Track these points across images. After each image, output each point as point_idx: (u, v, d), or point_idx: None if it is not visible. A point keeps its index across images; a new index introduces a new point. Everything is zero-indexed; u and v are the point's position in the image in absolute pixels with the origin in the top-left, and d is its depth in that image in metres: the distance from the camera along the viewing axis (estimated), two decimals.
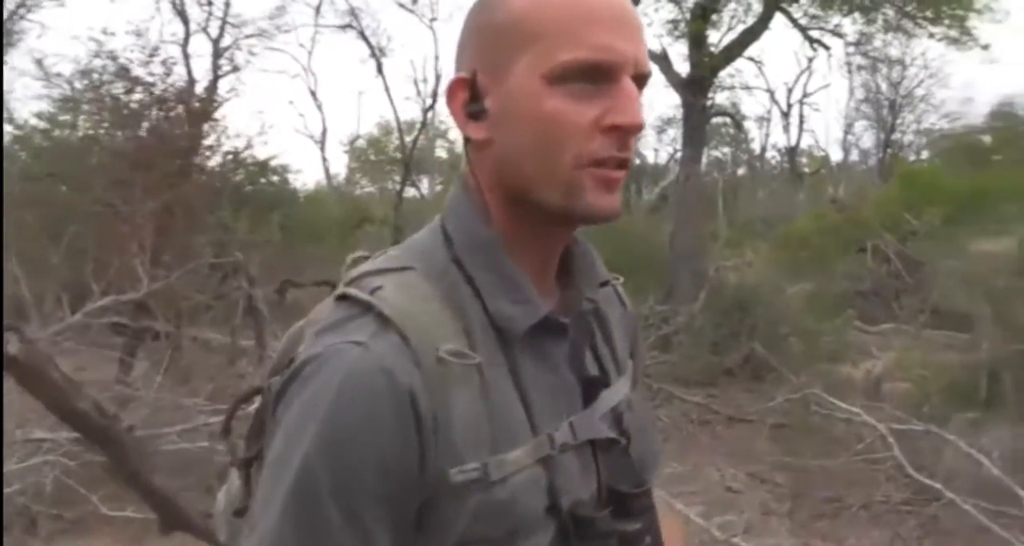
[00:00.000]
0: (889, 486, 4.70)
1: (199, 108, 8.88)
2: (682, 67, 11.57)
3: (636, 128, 0.75)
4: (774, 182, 29.86)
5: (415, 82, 18.88)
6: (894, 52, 16.11)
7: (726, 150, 28.21)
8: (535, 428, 0.77)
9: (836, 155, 33.55)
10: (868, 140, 30.35)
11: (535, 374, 0.79)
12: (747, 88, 22.05)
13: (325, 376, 0.71)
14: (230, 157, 9.94)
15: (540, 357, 0.80)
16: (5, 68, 12.02)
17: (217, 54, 14.17)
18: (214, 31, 14.65)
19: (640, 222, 17.00)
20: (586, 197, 0.76)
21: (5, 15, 12.68)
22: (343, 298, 0.78)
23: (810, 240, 12.92)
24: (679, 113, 13.50)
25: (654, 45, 11.93)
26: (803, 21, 11.95)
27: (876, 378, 7.01)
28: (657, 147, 26.16)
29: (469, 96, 0.79)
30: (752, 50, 12.27)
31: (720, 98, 15.67)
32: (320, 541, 0.69)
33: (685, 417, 8.21)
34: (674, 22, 12.23)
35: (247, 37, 15.13)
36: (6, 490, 3.97)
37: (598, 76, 0.74)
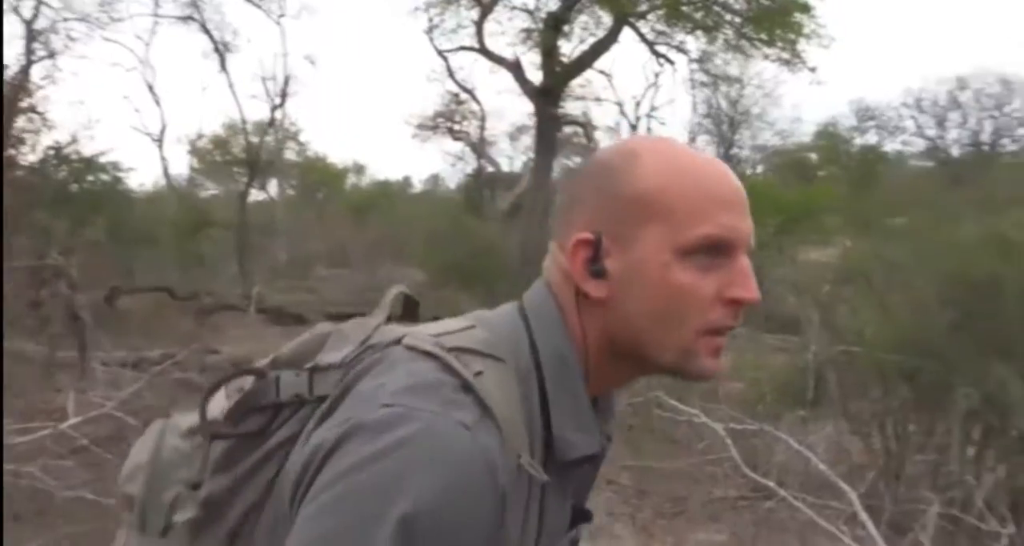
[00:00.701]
0: (727, 484, 4.88)
1: (10, 95, 8.10)
2: (535, 76, 11.74)
3: (754, 303, 0.81)
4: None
5: (263, 80, 18.02)
6: (733, 71, 17.04)
7: (577, 159, 28.93)
8: (540, 542, 0.81)
9: None
10: (709, 154, 31.84)
11: (553, 496, 0.82)
12: (597, 100, 22.73)
13: (432, 452, 0.69)
14: (52, 152, 9.16)
15: (564, 481, 0.83)
16: None
17: (31, 37, 12.84)
18: (27, 11, 13.25)
19: (492, 230, 17.10)
20: (700, 362, 0.81)
21: None
22: (431, 358, 0.77)
23: None
24: (532, 121, 13.71)
25: (506, 53, 12.04)
26: (650, 36, 12.43)
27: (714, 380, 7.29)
28: (512, 155, 26.46)
29: (592, 255, 0.82)
30: (603, 63, 12.61)
31: (572, 108, 16.03)
32: None
33: None
34: (527, 31, 12.40)
35: (66, 20, 13.82)
36: None
37: (720, 251, 0.80)
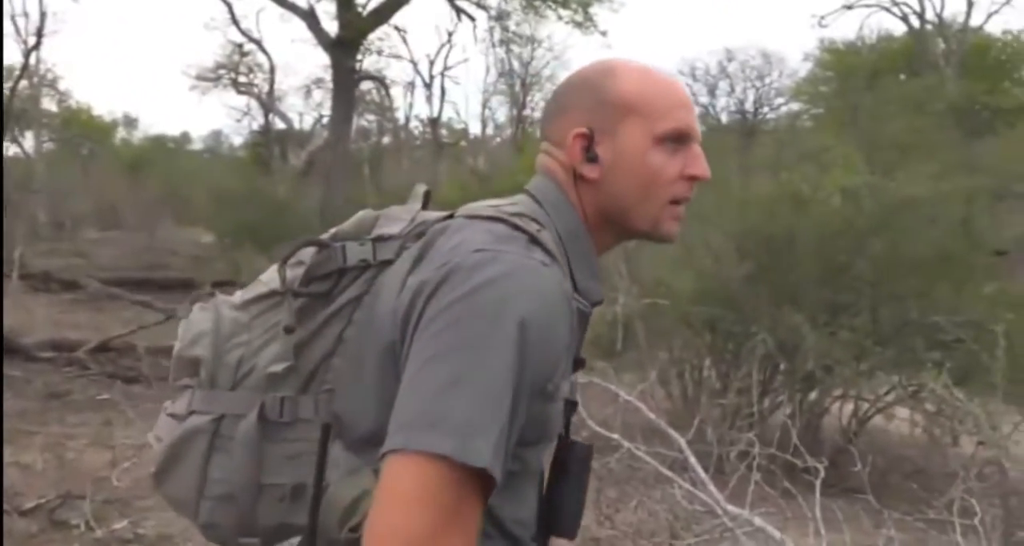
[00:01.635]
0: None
1: None
2: (331, 27, 11.18)
3: (705, 178, 1.04)
4: (417, 152, 30.62)
5: (12, 18, 15.81)
6: (527, 30, 17.22)
7: (372, 118, 28.27)
8: (568, 375, 0.96)
9: (475, 128, 35.44)
10: (502, 115, 32.41)
11: (577, 337, 0.98)
12: (395, 56, 22.22)
13: (529, 276, 0.87)
14: None
15: (579, 328, 0.98)
16: None
17: None
18: None
19: (285, 188, 16.33)
20: (667, 226, 1.03)
21: None
22: (496, 220, 0.95)
23: (455, 208, 13.32)
24: (328, 75, 13.07)
25: (300, 1, 11.35)
26: None
27: None
28: (303, 110, 25.29)
29: (587, 145, 1.03)
30: (401, 18, 12.24)
31: (368, 63, 15.50)
32: (520, 402, 0.83)
33: None
34: None
35: None
36: None
37: (682, 140, 1.03)
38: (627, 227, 1.04)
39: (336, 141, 11.15)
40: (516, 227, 0.94)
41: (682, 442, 2.93)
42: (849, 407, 5.26)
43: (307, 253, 1.00)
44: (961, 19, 22.81)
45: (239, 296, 1.04)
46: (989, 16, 32.64)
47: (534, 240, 0.93)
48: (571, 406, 1.04)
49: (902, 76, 20.44)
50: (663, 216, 1.03)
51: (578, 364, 1.02)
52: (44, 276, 9.82)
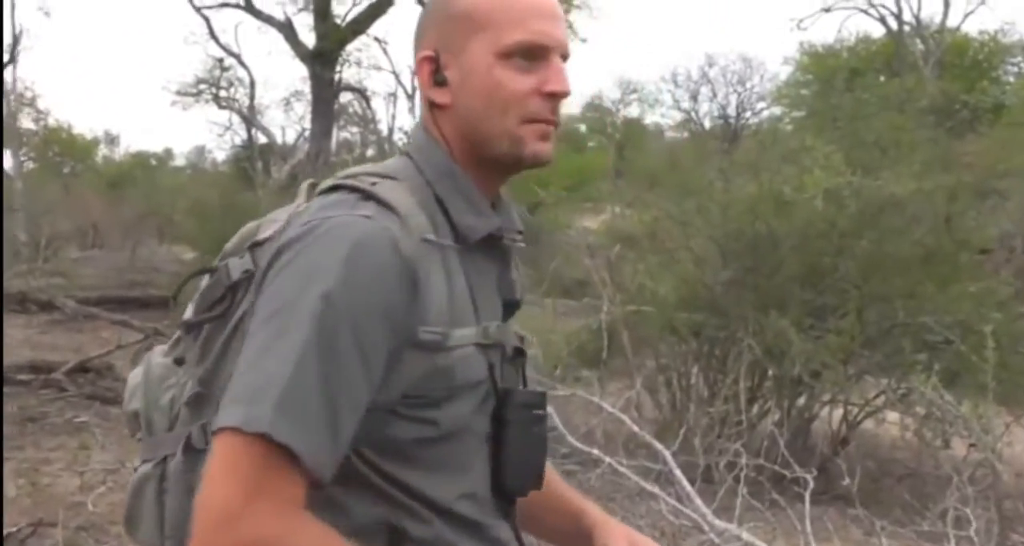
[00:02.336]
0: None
1: None
2: (308, 39, 11.09)
3: (565, 94, 0.97)
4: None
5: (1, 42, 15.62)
6: None
7: (355, 130, 28.17)
8: (478, 318, 0.94)
9: None
10: None
11: (477, 280, 0.96)
12: (376, 68, 22.16)
13: (338, 235, 0.85)
14: None
15: (481, 268, 0.98)
16: None
17: None
18: None
19: (269, 203, 16.17)
20: (528, 146, 0.97)
21: None
22: (336, 189, 0.94)
23: None
24: (307, 87, 12.97)
25: (276, 13, 11.27)
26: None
27: None
28: (285, 124, 25.16)
29: (434, 68, 0.98)
30: (379, 30, 12.18)
31: (349, 75, 15.42)
32: (340, 370, 0.81)
33: None
34: None
35: None
36: None
37: (535, 54, 0.95)
38: (490, 153, 0.98)
39: (316, 154, 11.05)
40: (349, 188, 0.93)
41: (667, 454, 2.84)
42: (838, 412, 5.20)
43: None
44: (938, 20, 23.01)
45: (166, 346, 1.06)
46: (965, 17, 33.00)
47: (367, 196, 0.91)
48: (514, 353, 1.02)
49: (882, 77, 20.54)
50: (523, 135, 0.96)
51: (509, 307, 1.02)
52: (21, 297, 9.65)
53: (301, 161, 15.79)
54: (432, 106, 1.00)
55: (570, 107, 33.48)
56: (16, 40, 15.59)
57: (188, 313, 1.00)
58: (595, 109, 33.19)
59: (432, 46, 0.99)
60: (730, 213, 4.92)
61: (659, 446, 2.91)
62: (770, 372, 4.89)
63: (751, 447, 3.75)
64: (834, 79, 18.26)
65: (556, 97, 0.97)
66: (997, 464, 3.60)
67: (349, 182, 0.94)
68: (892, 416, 5.18)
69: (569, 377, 5.55)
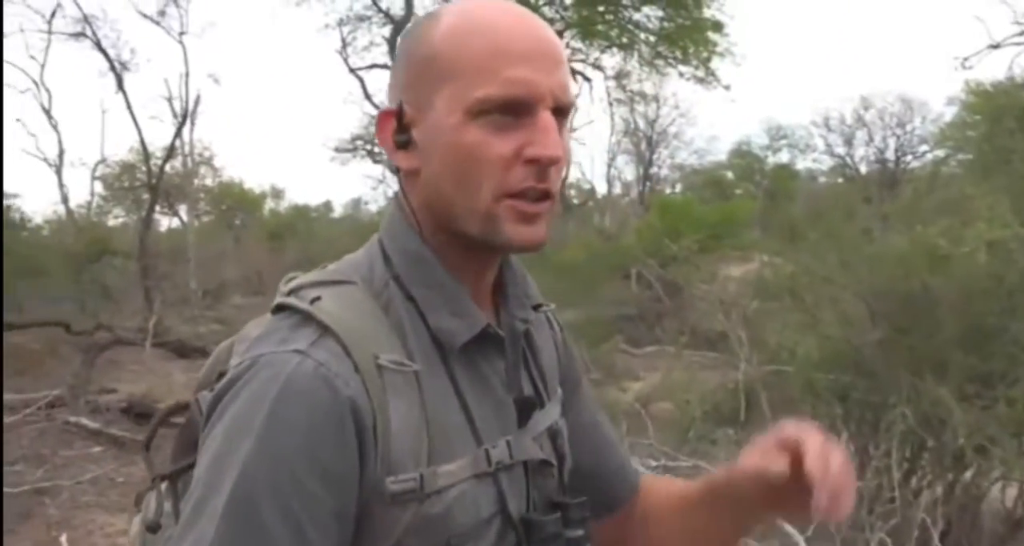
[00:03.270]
0: None
1: None
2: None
3: (551, 160, 0.77)
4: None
5: (168, 101, 17.13)
6: (649, 89, 17.12)
7: None
8: (478, 440, 0.80)
9: (601, 187, 35.47)
10: (629, 173, 32.29)
11: (473, 390, 0.81)
12: None
13: (263, 382, 0.72)
14: None
15: (477, 374, 0.83)
16: None
17: None
18: None
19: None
20: (504, 229, 0.78)
21: None
22: (280, 309, 0.81)
23: (579, 268, 13.21)
24: None
25: (380, 60, 11.64)
26: (566, 54, 12.28)
27: (643, 399, 7.07)
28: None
29: (397, 127, 0.82)
30: None
31: None
32: (259, 544, 0.69)
33: None
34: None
35: None
36: None
37: (517, 110, 0.77)
38: (461, 234, 0.80)
39: None
40: (290, 309, 0.79)
41: (799, 538, 2.56)
42: (1012, 491, 4.63)
43: None
44: None
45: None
46: None
47: (306, 317, 0.77)
48: (540, 465, 0.86)
49: None
50: (498, 213, 0.78)
51: (527, 407, 0.86)
52: (179, 343, 10.30)
53: None
54: (401, 175, 0.85)
55: (717, 154, 32.84)
56: (186, 104, 17.02)
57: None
58: (742, 155, 32.37)
59: (397, 98, 0.83)
60: (879, 268, 4.53)
61: (791, 529, 2.64)
62: (929, 443, 4.42)
63: (903, 527, 3.35)
64: (1004, 119, 16.92)
65: (541, 164, 0.77)
66: None
67: (290, 301, 0.79)
68: None
69: (704, 439, 5.27)
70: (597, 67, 12.72)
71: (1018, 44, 22.29)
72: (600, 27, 11.69)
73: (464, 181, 0.78)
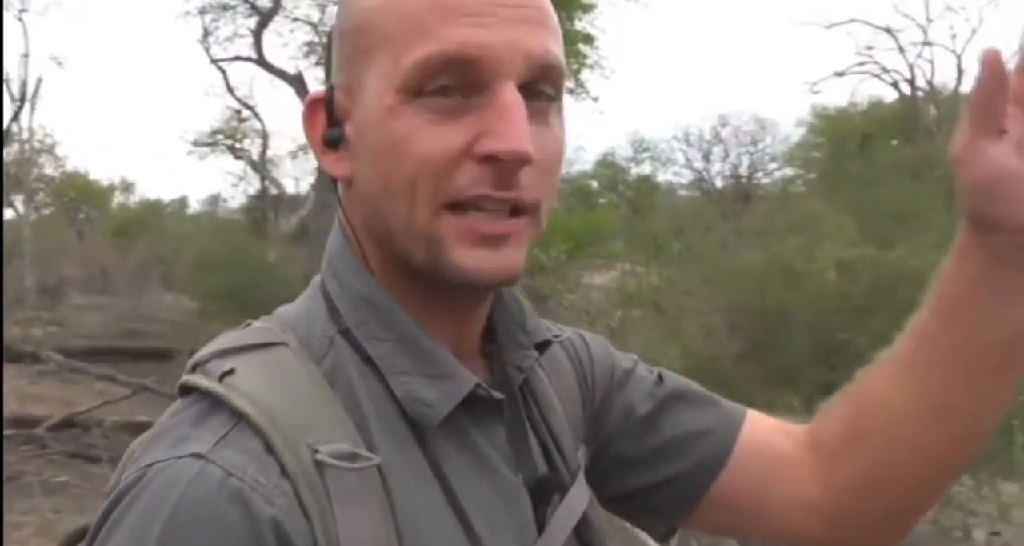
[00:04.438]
0: None
1: None
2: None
3: (514, 157, 0.54)
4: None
5: (4, 83, 15.82)
6: None
7: None
8: (472, 540, 0.57)
9: None
10: None
11: (467, 477, 0.59)
12: None
13: (147, 506, 0.50)
14: None
15: (471, 452, 0.60)
16: None
17: None
18: None
19: (276, 254, 16.14)
20: (452, 254, 0.56)
21: None
22: (187, 390, 0.57)
23: None
24: None
25: (289, 67, 11.32)
26: None
27: None
28: (299, 176, 25.34)
29: (327, 119, 0.60)
30: None
31: None
32: None
33: None
34: (311, 45, 11.75)
35: None
36: None
37: (467, 85, 0.55)
38: (406, 263, 0.59)
39: (322, 207, 10.96)
40: (197, 391, 0.57)
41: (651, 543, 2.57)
42: None
43: None
44: (951, 85, 23.05)
45: None
46: None
47: (215, 402, 0.55)
48: None
49: (894, 142, 20.51)
50: (441, 234, 0.56)
51: (544, 487, 0.64)
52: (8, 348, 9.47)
53: (309, 212, 15.78)
54: (338, 185, 0.63)
55: (583, 163, 33.70)
56: (24, 88, 15.76)
57: None
58: (607, 166, 33.30)
59: (331, 79, 0.63)
60: (738, 284, 4.72)
61: (642, 535, 2.66)
62: None
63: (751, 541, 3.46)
64: (846, 143, 18.22)
65: (501, 162, 0.55)
66: None
67: (193, 379, 0.57)
68: None
69: None
70: None
71: (860, 73, 24.10)
72: None
73: (397, 188, 0.56)
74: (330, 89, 0.61)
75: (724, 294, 4.82)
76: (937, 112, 22.42)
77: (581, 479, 0.70)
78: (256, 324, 0.63)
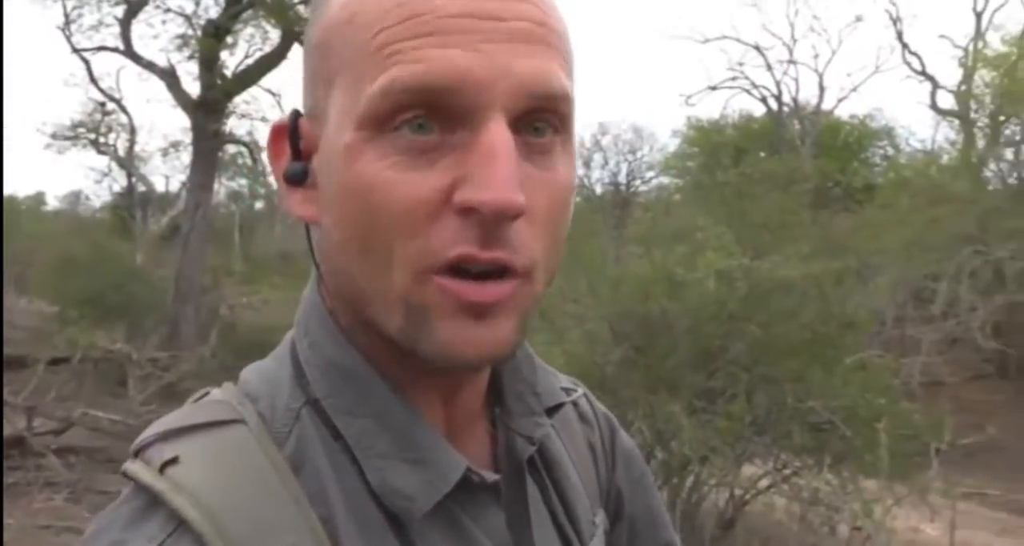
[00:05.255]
0: None
1: None
2: (193, 88, 10.64)
3: (497, 209, 0.44)
4: (292, 217, 29.83)
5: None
6: None
7: (244, 182, 27.34)
8: None
9: None
10: None
11: None
12: (265, 120, 21.64)
13: None
14: None
15: (459, 544, 0.51)
16: None
17: None
18: None
19: (145, 255, 15.38)
20: (436, 327, 0.47)
21: None
22: (128, 478, 0.50)
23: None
24: (188, 137, 12.41)
25: (160, 60, 10.79)
26: None
27: None
28: (169, 173, 24.19)
29: (292, 151, 0.52)
30: (272, 81, 11.86)
31: (237, 126, 14.93)
32: None
33: None
34: (184, 38, 11.22)
35: None
36: None
37: (445, 116, 0.45)
38: (378, 332, 0.50)
39: (196, 206, 10.48)
40: (136, 484, 0.49)
41: None
42: (725, 494, 5.12)
43: None
44: (814, 102, 24.48)
45: None
46: (839, 101, 35.25)
47: (153, 500, 0.47)
48: None
49: (763, 154, 21.60)
50: (428, 303, 0.47)
51: None
52: None
53: (181, 212, 15.09)
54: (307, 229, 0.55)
55: None
56: None
57: None
58: None
59: (295, 110, 0.55)
60: (621, 291, 4.81)
61: None
62: (659, 455, 4.75)
63: None
64: (719, 154, 19.05)
65: (482, 216, 0.45)
66: None
67: (132, 469, 0.49)
68: (781, 500, 5.16)
69: None
70: None
71: (731, 87, 25.23)
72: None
73: (367, 245, 0.47)
74: (295, 116, 0.53)
75: (608, 301, 4.90)
76: (801, 127, 23.78)
77: (599, 541, 0.64)
78: (214, 393, 0.55)
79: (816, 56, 39.68)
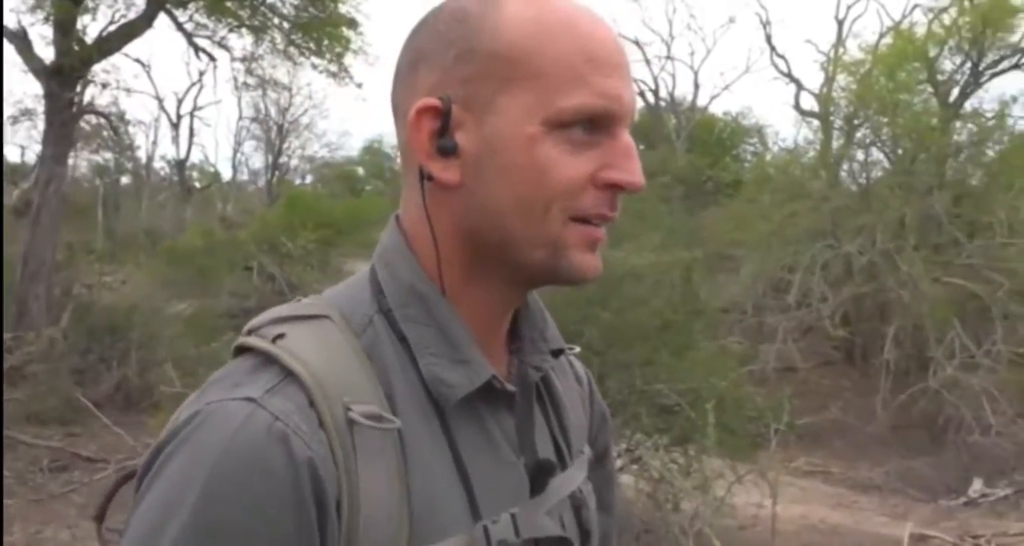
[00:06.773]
0: None
1: None
2: (46, 53, 9.96)
3: (634, 188, 0.69)
4: (163, 194, 28.52)
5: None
6: (282, 77, 16.59)
7: (109, 155, 25.87)
8: (476, 514, 0.67)
9: (227, 172, 33.69)
10: (257, 161, 31.16)
11: (477, 453, 0.69)
12: (128, 91, 20.56)
13: (203, 440, 0.59)
14: None
15: (483, 434, 0.71)
16: None
17: None
18: None
19: None
20: (573, 257, 0.69)
21: None
22: (240, 350, 0.68)
23: (196, 257, 12.37)
24: (40, 106, 11.58)
25: (10, 21, 10.04)
26: (189, 27, 11.39)
27: None
28: (25, 143, 22.60)
29: (439, 127, 0.68)
30: (140, 51, 11.23)
31: (102, 99, 14.08)
32: None
33: (35, 466, 6.94)
34: None
35: None
36: None
37: (599, 126, 0.68)
38: (513, 261, 0.69)
39: (48, 181, 9.85)
40: (243, 349, 0.67)
41: None
42: None
43: None
44: (689, 98, 25.34)
45: None
46: (712, 98, 36.68)
47: (267, 359, 0.65)
48: (558, 543, 0.74)
49: (641, 147, 22.24)
50: (567, 241, 0.69)
51: (543, 471, 0.74)
52: None
53: (33, 186, 14.15)
54: (427, 182, 0.69)
55: (349, 149, 33.04)
56: None
57: None
58: (373, 153, 33.01)
59: (439, 91, 0.68)
60: None
61: None
62: None
63: None
64: None
65: (620, 190, 0.69)
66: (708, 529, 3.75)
67: (249, 340, 0.67)
68: (630, 479, 5.37)
69: None
70: (223, 46, 11.99)
71: None
72: (229, 4, 11.03)
73: (534, 202, 0.67)
74: (447, 101, 0.67)
75: None
76: (676, 122, 24.57)
77: (582, 462, 0.82)
78: (305, 299, 0.73)
79: (692, 53, 41.07)
